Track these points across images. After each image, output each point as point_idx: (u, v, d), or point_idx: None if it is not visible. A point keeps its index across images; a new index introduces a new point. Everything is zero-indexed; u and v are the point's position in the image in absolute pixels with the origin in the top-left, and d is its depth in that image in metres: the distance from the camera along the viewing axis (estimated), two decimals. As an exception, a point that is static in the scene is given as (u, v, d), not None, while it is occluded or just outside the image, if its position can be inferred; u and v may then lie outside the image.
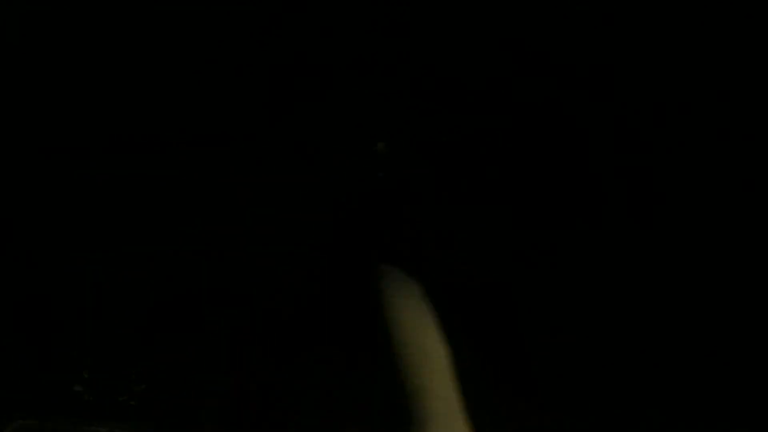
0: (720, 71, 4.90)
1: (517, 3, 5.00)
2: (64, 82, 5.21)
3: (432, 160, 4.92)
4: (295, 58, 5.09)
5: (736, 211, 4.88)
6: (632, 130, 4.97)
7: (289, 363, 4.37)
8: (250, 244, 4.76)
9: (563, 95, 4.98)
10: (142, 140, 5.17)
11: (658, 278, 4.83)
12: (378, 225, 4.46)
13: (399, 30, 5.03)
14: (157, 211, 5.09)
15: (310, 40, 5.07)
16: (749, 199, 4.87)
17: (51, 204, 5.18)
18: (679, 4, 4.88)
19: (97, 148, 5.20)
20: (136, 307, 4.92)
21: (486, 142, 4.97)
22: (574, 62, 4.99)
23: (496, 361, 4.54)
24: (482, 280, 4.66)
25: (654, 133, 4.96)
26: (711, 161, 4.89)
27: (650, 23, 4.95)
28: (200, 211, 4.98)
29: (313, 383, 4.25)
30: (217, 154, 4.99)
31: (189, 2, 5.16)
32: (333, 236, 4.35)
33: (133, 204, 5.15)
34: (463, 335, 4.35)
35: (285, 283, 4.54)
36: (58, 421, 4.43)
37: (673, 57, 4.95)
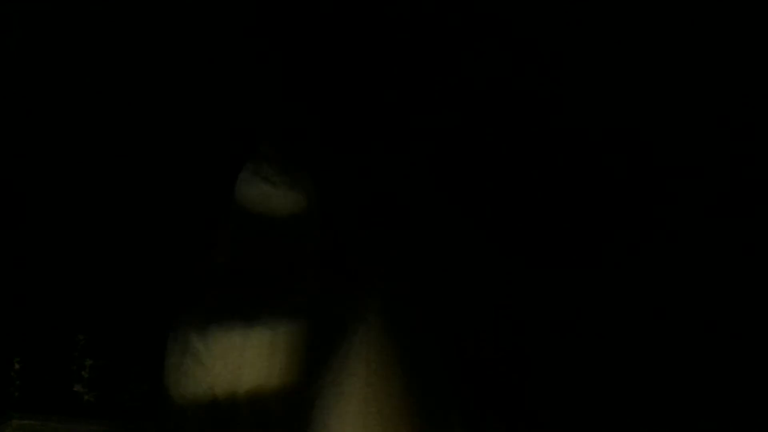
0: (719, 72, 4.90)
1: (517, 4, 4.99)
2: (66, 82, 5.20)
3: (432, 160, 4.90)
4: (295, 59, 5.08)
5: (735, 216, 4.87)
6: (632, 130, 4.96)
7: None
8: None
9: (563, 95, 4.97)
10: (142, 139, 5.16)
11: (656, 281, 4.83)
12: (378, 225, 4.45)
13: (399, 30, 5.02)
14: (150, 211, 5.08)
15: (310, 40, 5.06)
16: (749, 203, 4.85)
17: (53, 204, 5.17)
18: (678, 7, 4.88)
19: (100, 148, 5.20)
20: (137, 308, 4.91)
21: (486, 142, 4.96)
22: (573, 63, 4.98)
23: (491, 365, 4.54)
24: (482, 280, 4.64)
25: (653, 133, 4.96)
26: (710, 162, 4.88)
27: (650, 25, 4.94)
28: (193, 210, 4.97)
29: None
30: (216, 154, 4.98)
31: (189, 3, 5.16)
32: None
33: (126, 203, 5.14)
34: (462, 339, 4.34)
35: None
36: (58, 421, 4.42)
37: (673, 58, 4.94)
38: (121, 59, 5.20)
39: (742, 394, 4.48)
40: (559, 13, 4.99)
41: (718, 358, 4.58)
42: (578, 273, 4.79)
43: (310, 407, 1.65)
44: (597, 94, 4.96)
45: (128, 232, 5.13)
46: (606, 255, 4.85)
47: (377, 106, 4.89)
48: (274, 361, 1.65)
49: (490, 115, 4.98)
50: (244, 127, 4.92)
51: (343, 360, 1.70)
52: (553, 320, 4.70)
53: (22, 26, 5.13)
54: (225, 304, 1.69)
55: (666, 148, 4.93)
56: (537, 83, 4.99)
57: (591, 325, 4.70)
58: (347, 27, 5.04)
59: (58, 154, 5.21)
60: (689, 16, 4.88)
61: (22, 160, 5.19)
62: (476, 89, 5.00)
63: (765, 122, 4.83)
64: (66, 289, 5.05)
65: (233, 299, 1.64)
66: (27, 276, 5.08)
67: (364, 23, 5.04)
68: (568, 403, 4.49)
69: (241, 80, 5.10)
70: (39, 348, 4.92)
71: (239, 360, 1.64)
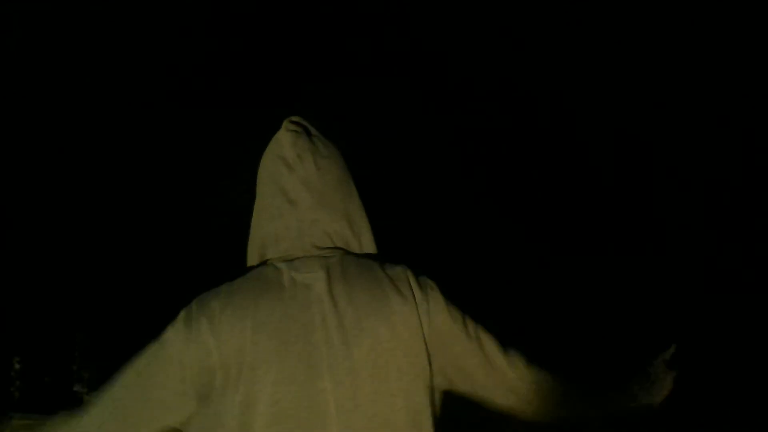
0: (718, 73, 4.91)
1: (519, 5, 5.01)
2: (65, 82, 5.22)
3: (432, 160, 4.91)
4: (295, 58, 5.10)
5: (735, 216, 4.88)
6: (631, 130, 4.98)
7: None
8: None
9: (564, 95, 4.98)
10: (142, 139, 5.17)
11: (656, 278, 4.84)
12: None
13: (400, 30, 5.04)
14: (149, 213, 5.09)
15: (309, 40, 5.08)
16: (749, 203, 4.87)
17: (54, 205, 5.19)
18: (679, 9, 4.90)
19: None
20: (137, 307, 4.93)
21: (486, 142, 4.98)
22: (574, 63, 5.00)
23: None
24: (485, 279, 4.66)
25: (652, 133, 4.97)
26: (709, 163, 4.90)
27: (651, 26, 4.95)
28: (197, 212, 4.99)
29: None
30: (215, 153, 5.01)
31: (187, 2, 5.17)
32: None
33: (128, 205, 5.15)
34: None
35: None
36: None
37: (673, 58, 4.95)
38: (122, 59, 5.22)
39: (741, 394, 4.50)
40: (559, 13, 5.01)
41: (719, 358, 4.60)
42: (578, 272, 4.81)
43: (324, 407, 1.63)
44: (602, 93, 4.98)
45: (129, 231, 5.14)
46: (606, 255, 4.86)
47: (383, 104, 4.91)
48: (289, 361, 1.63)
49: (495, 113, 5.00)
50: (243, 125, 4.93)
51: (355, 357, 1.67)
52: (553, 320, 4.71)
53: (22, 26, 5.14)
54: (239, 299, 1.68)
55: (669, 147, 4.95)
56: (540, 81, 5.00)
57: (591, 324, 4.71)
58: (348, 28, 5.06)
59: (58, 153, 5.22)
60: (689, 16, 4.90)
61: (22, 159, 5.20)
62: (482, 87, 5.02)
63: (765, 122, 4.85)
64: (66, 289, 5.06)
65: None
66: (27, 276, 5.10)
67: (363, 24, 5.05)
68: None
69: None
70: (39, 348, 4.93)
71: (250, 357, 1.63)
